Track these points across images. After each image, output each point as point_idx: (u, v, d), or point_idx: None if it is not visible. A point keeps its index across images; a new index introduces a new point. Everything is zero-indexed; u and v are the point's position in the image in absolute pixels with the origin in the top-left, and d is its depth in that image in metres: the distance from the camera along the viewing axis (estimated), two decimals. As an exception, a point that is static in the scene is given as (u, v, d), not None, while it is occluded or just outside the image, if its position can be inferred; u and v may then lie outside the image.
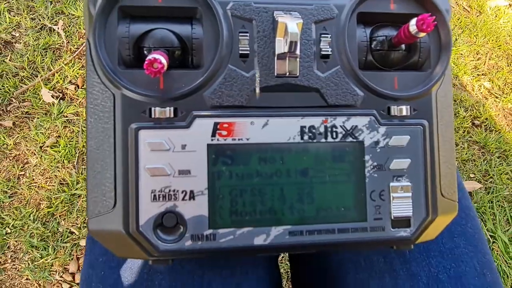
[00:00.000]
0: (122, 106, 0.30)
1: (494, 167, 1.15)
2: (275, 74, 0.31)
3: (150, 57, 0.27)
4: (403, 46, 0.34)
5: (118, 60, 0.31)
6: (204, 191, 0.30)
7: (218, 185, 0.30)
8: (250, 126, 0.31)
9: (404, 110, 0.33)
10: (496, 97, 1.40)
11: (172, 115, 0.30)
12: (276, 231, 0.31)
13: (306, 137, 0.31)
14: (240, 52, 0.31)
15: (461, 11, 1.67)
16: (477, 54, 1.54)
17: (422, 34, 0.30)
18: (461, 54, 1.51)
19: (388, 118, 0.33)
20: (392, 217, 0.32)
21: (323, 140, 0.32)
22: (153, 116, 0.30)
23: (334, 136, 0.32)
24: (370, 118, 0.32)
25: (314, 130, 0.32)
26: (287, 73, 0.31)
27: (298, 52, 0.30)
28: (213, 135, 0.30)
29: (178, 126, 0.30)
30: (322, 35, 0.32)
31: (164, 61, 0.27)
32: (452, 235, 0.42)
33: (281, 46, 0.30)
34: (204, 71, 0.31)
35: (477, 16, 1.66)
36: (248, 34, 0.31)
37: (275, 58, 0.31)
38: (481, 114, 1.29)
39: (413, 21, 0.30)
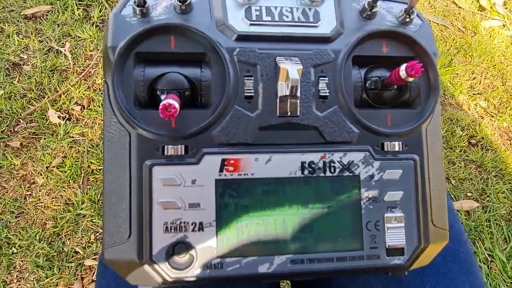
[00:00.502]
0: (137, 144, 0.33)
1: (491, 186, 1.17)
2: (278, 114, 0.34)
3: (164, 102, 0.30)
4: (395, 86, 0.37)
5: (133, 101, 0.34)
6: (212, 222, 0.33)
7: (225, 217, 0.33)
8: (255, 162, 0.33)
9: (397, 146, 0.35)
10: (492, 116, 1.43)
11: (183, 153, 0.33)
12: (279, 259, 0.33)
13: (306, 172, 0.34)
14: (246, 94, 0.34)
15: (456, 32, 1.72)
16: (472, 73, 1.58)
17: (410, 79, 0.33)
18: (457, 74, 1.55)
19: (382, 153, 0.35)
20: (387, 246, 0.34)
21: (322, 174, 0.34)
22: (165, 153, 0.33)
23: (332, 171, 0.34)
24: (365, 154, 0.35)
25: (313, 165, 0.34)
26: (289, 113, 0.34)
27: (298, 94, 0.33)
28: (221, 170, 0.33)
29: (189, 162, 0.33)
30: (320, 78, 0.35)
31: (177, 105, 0.30)
32: (446, 260, 0.44)
33: (283, 89, 0.33)
34: (213, 111, 0.33)
35: (472, 37, 1.70)
36: (252, 78, 0.34)
37: (278, 99, 0.34)
38: (477, 133, 1.32)
39: (403, 67, 0.33)
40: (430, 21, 1.71)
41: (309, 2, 0.36)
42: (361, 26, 0.37)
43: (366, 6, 0.37)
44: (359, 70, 0.37)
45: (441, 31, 1.70)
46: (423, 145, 0.36)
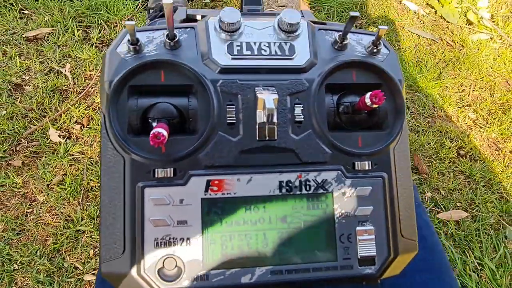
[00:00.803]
0: (131, 167, 0.36)
1: (480, 196, 1.20)
2: (257, 138, 0.38)
3: (154, 131, 0.33)
4: (364, 110, 0.41)
5: (128, 129, 0.37)
6: (198, 238, 0.36)
7: (210, 232, 0.36)
8: (237, 182, 0.37)
9: (367, 165, 0.39)
10: (481, 127, 1.47)
11: (172, 175, 0.36)
12: (260, 271, 0.37)
13: (284, 190, 0.38)
14: (228, 121, 0.38)
15: (445, 46, 1.78)
16: (461, 86, 1.62)
17: (375, 106, 0.37)
18: (446, 86, 1.59)
19: (353, 172, 0.39)
20: (359, 257, 0.38)
21: (298, 192, 0.38)
22: (156, 176, 0.36)
23: (308, 189, 0.38)
24: (337, 173, 0.38)
25: (290, 184, 0.38)
26: (267, 138, 0.38)
27: (275, 120, 0.36)
28: (206, 190, 0.37)
29: (177, 184, 0.36)
30: (296, 105, 0.39)
31: (165, 133, 0.34)
32: (420, 270, 0.47)
33: (261, 116, 0.37)
34: (198, 137, 0.37)
35: (460, 50, 1.76)
36: (234, 106, 0.38)
37: (257, 125, 0.38)
38: (466, 144, 1.35)
39: (367, 95, 0.36)
40: (419, 35, 1.77)
41: (285, 37, 0.40)
42: (333, 57, 0.41)
43: (337, 39, 0.41)
44: (332, 97, 0.41)
45: (430, 45, 1.75)
46: (391, 164, 0.40)
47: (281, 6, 1.34)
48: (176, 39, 0.39)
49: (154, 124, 0.37)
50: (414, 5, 1.89)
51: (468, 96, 1.59)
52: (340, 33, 0.41)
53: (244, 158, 0.38)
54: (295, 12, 0.40)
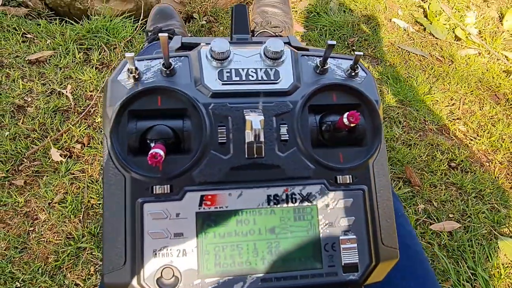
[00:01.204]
0: (131, 185, 0.40)
1: (471, 207, 1.23)
2: (246, 156, 0.41)
3: (152, 151, 0.37)
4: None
5: (128, 149, 0.41)
6: (194, 249, 0.39)
7: (204, 243, 0.39)
8: (228, 197, 0.40)
9: (348, 178, 0.43)
10: (471, 140, 1.51)
11: (169, 191, 0.40)
12: (251, 278, 0.39)
13: (272, 203, 0.41)
14: (219, 141, 0.41)
15: (435, 61, 1.83)
16: (451, 99, 1.67)
17: (352, 124, 0.40)
18: (437, 100, 1.64)
19: (336, 185, 0.42)
20: (343, 264, 0.41)
21: (285, 205, 0.41)
22: (154, 192, 0.40)
23: (294, 201, 0.41)
24: (321, 186, 0.42)
25: (278, 198, 0.41)
26: (255, 155, 0.41)
27: (262, 139, 0.40)
28: (200, 205, 0.40)
29: (173, 199, 0.40)
30: (281, 125, 0.43)
31: (162, 153, 0.37)
32: (404, 278, 0.50)
33: (249, 136, 0.40)
34: (192, 156, 0.41)
35: (449, 65, 1.81)
36: (225, 127, 0.42)
37: (246, 144, 0.41)
38: (457, 157, 1.39)
39: (345, 115, 0.40)
40: (409, 52, 1.83)
41: (271, 63, 0.44)
42: (315, 81, 0.45)
43: (318, 64, 0.45)
44: (315, 116, 0.45)
45: (420, 61, 1.81)
46: (370, 177, 0.43)
47: (274, 27, 1.39)
48: (172, 67, 0.43)
49: (152, 144, 0.41)
50: (404, 23, 1.96)
51: (458, 109, 1.63)
52: (321, 58, 0.45)
53: (234, 174, 0.41)
54: (279, 41, 0.44)
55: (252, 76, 0.44)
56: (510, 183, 1.36)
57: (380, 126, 0.44)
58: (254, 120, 0.39)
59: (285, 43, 0.60)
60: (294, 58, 0.46)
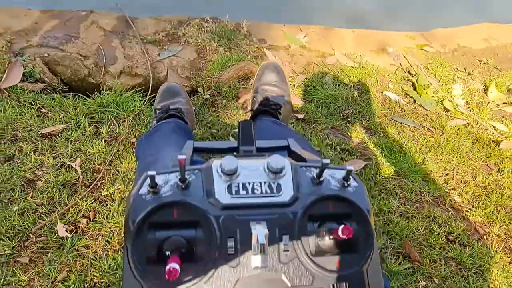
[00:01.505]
0: None
1: (472, 284, 1.24)
2: (252, 266, 0.46)
3: (169, 267, 0.41)
4: (341, 237, 0.49)
5: (146, 260, 0.45)
6: None
7: None
8: None
9: (344, 286, 0.47)
10: (467, 211, 1.55)
11: None
12: None
13: None
14: (228, 252, 0.46)
15: (426, 132, 1.93)
16: (444, 170, 1.73)
17: (346, 237, 0.45)
18: (431, 171, 1.70)
19: None
20: None
21: None
22: None
23: None
24: None
25: None
26: (260, 266, 0.46)
27: (266, 252, 0.45)
28: None
29: None
30: (283, 235, 0.48)
31: (178, 268, 0.42)
32: None
33: (255, 248, 0.45)
34: (203, 265, 0.45)
35: (441, 136, 1.90)
36: (233, 238, 0.46)
37: (252, 256, 0.46)
38: (454, 230, 1.42)
39: (340, 229, 0.45)
40: (401, 123, 1.93)
41: (273, 177, 0.51)
42: (313, 191, 0.51)
43: (315, 176, 0.52)
44: (313, 225, 0.50)
45: (412, 131, 1.90)
46: (365, 283, 0.47)
47: (274, 104, 1.49)
48: (187, 182, 0.49)
49: (167, 253, 0.46)
50: (395, 95, 2.09)
51: (452, 179, 1.69)
52: (318, 169, 0.51)
53: (241, 285, 0.45)
54: (280, 157, 0.51)
55: (257, 190, 0.49)
56: (508, 257, 1.37)
57: (372, 234, 0.49)
58: (260, 234, 0.44)
59: (284, 146, 0.67)
60: (294, 170, 0.52)
